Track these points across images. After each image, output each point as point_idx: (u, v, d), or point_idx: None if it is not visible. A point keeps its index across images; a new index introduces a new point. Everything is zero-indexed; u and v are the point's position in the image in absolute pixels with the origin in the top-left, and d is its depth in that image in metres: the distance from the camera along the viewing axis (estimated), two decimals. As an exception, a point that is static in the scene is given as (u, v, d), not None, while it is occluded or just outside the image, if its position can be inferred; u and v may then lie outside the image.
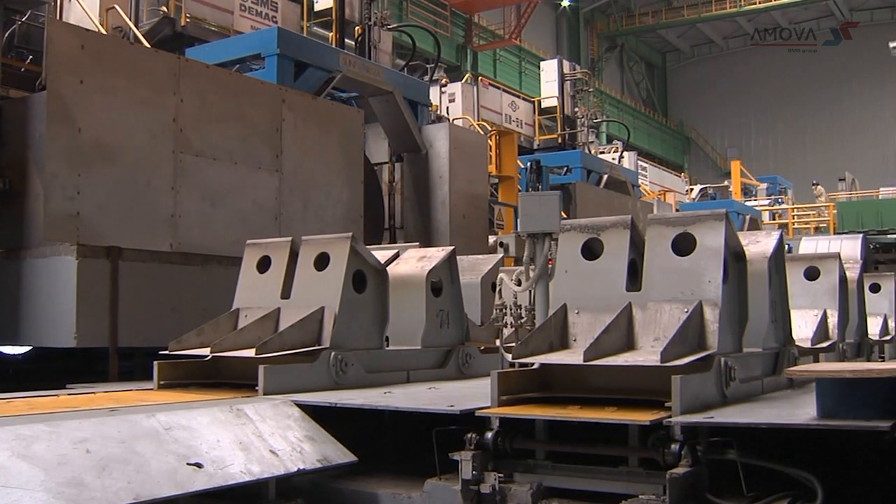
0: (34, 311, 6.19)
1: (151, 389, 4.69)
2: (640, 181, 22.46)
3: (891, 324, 7.11)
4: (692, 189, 31.40)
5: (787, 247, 6.19)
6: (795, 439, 3.22)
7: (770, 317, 4.22)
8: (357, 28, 12.17)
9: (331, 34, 12.31)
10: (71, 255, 5.98)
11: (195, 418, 3.35)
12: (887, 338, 6.98)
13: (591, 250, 4.01)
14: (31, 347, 6.71)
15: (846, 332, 5.89)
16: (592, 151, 20.37)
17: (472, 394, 4.09)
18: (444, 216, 10.20)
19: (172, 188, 6.71)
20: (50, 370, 6.80)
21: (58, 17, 9.56)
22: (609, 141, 30.47)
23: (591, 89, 24.10)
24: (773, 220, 28.58)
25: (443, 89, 18.10)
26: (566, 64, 21.75)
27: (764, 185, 31.84)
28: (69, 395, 4.46)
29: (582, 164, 17.22)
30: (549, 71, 21.35)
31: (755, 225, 23.00)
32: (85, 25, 7.89)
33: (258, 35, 10.02)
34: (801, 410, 3.34)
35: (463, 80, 19.88)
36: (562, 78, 20.85)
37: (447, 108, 17.96)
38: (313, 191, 8.03)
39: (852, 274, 6.17)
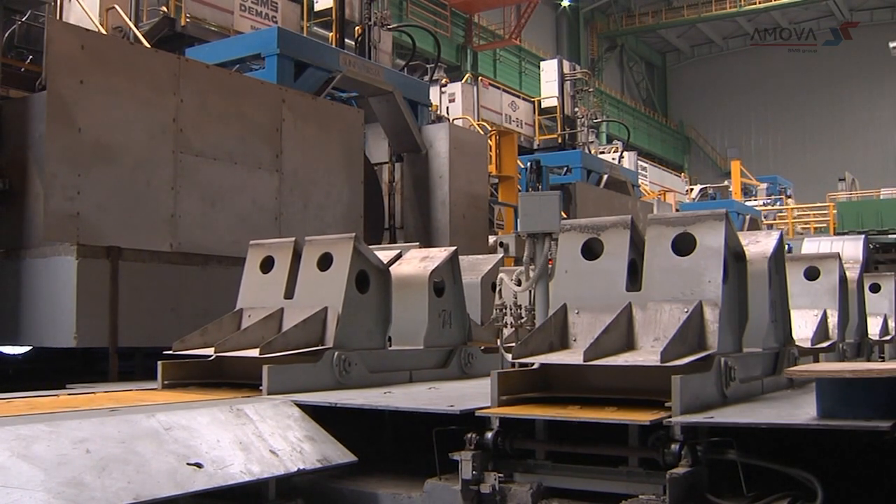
0: (34, 311, 6.19)
1: (154, 389, 4.69)
2: (640, 181, 22.46)
3: (891, 324, 7.11)
4: (692, 189, 31.40)
5: (787, 247, 6.19)
6: (795, 439, 3.22)
7: (770, 317, 4.22)
8: (357, 28, 12.17)
9: (331, 34, 12.31)
10: (71, 255, 5.98)
11: (195, 418, 3.34)
12: (887, 338, 6.98)
13: (591, 250, 4.01)
14: (31, 347, 6.71)
15: (846, 332, 5.89)
16: (592, 151, 20.38)
17: (473, 394, 4.09)
18: (444, 216, 10.21)
19: (172, 188, 6.71)
20: (50, 370, 6.81)
21: (58, 17, 9.57)
22: (609, 141, 30.47)
23: (591, 89, 24.10)
24: (773, 220, 28.59)
25: (443, 89, 18.10)
26: (566, 64, 21.75)
27: (764, 185, 31.85)
28: (69, 395, 4.46)
29: (582, 164, 17.22)
30: (549, 71, 21.36)
31: (755, 225, 23.01)
32: (85, 25, 7.90)
33: (258, 35, 10.03)
34: (801, 410, 3.34)
35: (463, 80, 19.88)
36: (562, 78, 20.85)
37: (447, 108, 17.96)
38: (313, 191, 8.03)
39: (852, 274, 6.17)
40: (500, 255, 7.62)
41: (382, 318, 5.13)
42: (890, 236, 22.98)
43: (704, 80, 49.96)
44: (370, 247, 5.23)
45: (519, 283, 5.13)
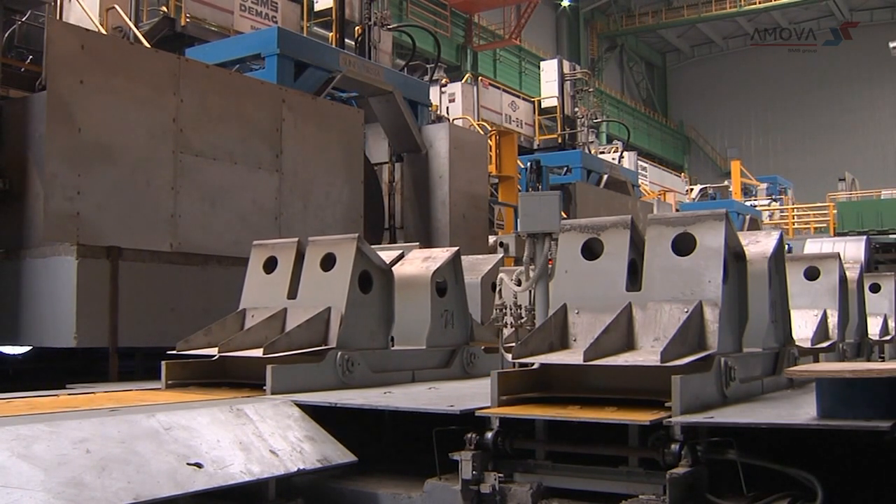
0: (34, 311, 6.19)
1: (155, 389, 4.70)
2: (640, 181, 22.46)
3: (891, 324, 7.11)
4: (692, 189, 31.41)
5: (787, 247, 6.19)
6: (795, 439, 3.22)
7: (770, 317, 4.23)
8: (357, 28, 12.17)
9: (331, 34, 12.31)
10: (71, 255, 5.98)
11: (195, 418, 3.34)
12: (887, 338, 6.98)
13: (591, 250, 4.01)
14: (31, 347, 6.71)
15: (846, 332, 5.89)
16: (592, 151, 20.38)
17: (473, 394, 4.09)
18: (444, 216, 10.21)
19: (172, 188, 6.71)
20: (50, 370, 6.81)
21: (58, 17, 9.57)
22: (609, 141, 30.47)
23: (591, 89, 24.10)
24: (771, 220, 28.59)
25: (443, 89, 18.10)
26: (566, 64, 21.76)
27: (764, 185, 31.85)
28: (69, 395, 4.46)
29: (582, 164, 17.22)
30: (549, 71, 21.36)
31: (755, 225, 23.01)
32: (85, 25, 7.89)
33: (258, 35, 10.03)
34: (801, 410, 3.34)
35: (463, 80, 19.88)
36: (562, 78, 20.85)
37: (447, 108, 17.97)
38: (313, 191, 8.03)
39: (852, 274, 6.17)
40: (500, 255, 7.62)
41: (385, 319, 5.15)
42: (890, 236, 22.98)
43: (704, 80, 49.96)
44: (371, 247, 5.25)
45: (519, 283, 5.13)
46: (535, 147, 20.33)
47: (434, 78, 15.93)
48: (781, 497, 3.09)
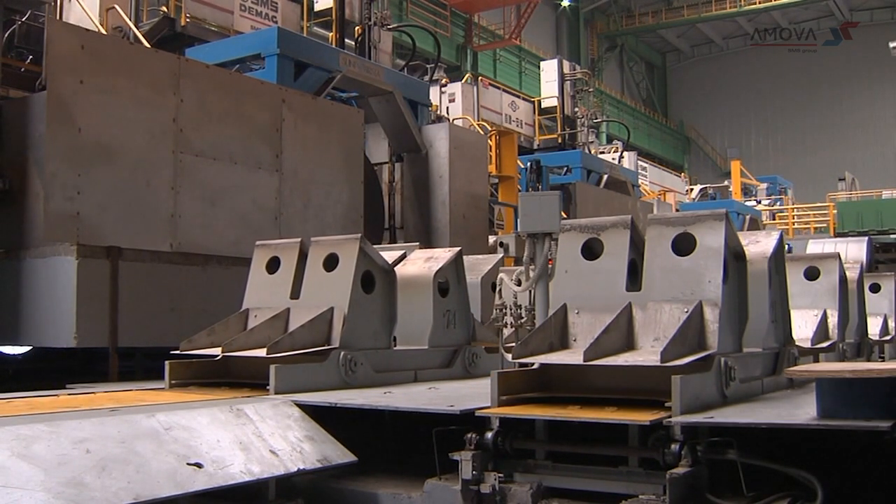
0: (34, 311, 6.18)
1: (155, 389, 4.71)
2: (640, 181, 22.46)
3: (891, 324, 7.11)
4: (692, 189, 31.41)
5: (787, 247, 6.19)
6: (795, 439, 3.22)
7: (770, 317, 4.23)
8: (357, 28, 12.17)
9: (331, 34, 12.31)
10: (71, 255, 5.98)
11: (195, 418, 3.34)
12: (887, 338, 6.98)
13: (591, 250, 4.01)
14: (31, 347, 6.71)
15: (846, 332, 5.89)
16: (592, 151, 20.37)
17: (473, 394, 4.09)
18: (444, 216, 10.21)
19: (172, 188, 6.71)
20: (50, 370, 6.80)
21: (58, 17, 9.56)
22: (609, 141, 30.47)
23: (591, 89, 24.11)
24: (773, 219, 28.60)
25: (443, 89, 18.10)
26: (566, 64, 21.75)
27: (764, 185, 31.85)
28: (69, 395, 4.46)
29: (582, 164, 17.22)
30: (549, 71, 21.35)
31: (755, 225, 23.00)
32: (85, 25, 7.89)
33: (258, 35, 10.03)
34: (801, 410, 3.34)
35: (463, 80, 19.88)
36: (562, 78, 20.85)
37: (447, 108, 17.97)
38: (313, 191, 8.03)
39: (852, 274, 6.17)
40: (500, 255, 7.63)
41: (388, 319, 5.16)
42: (891, 236, 22.98)
43: (704, 80, 49.96)
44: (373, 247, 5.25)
45: (519, 283, 5.13)
46: (535, 147, 20.33)
47: (434, 78, 15.93)
48: (781, 497, 3.09)
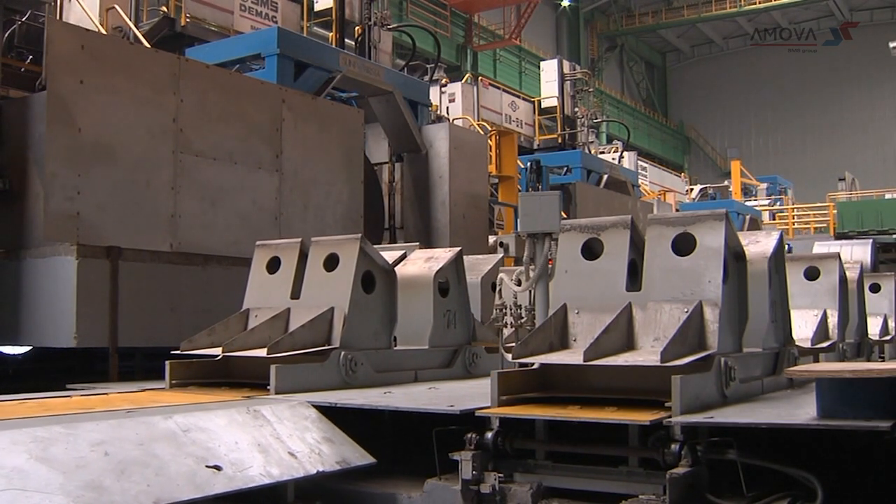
0: (34, 311, 6.18)
1: (162, 389, 4.71)
2: (640, 181, 22.46)
3: (891, 324, 7.11)
4: (692, 189, 31.40)
5: (787, 247, 6.19)
6: (795, 439, 3.22)
7: (770, 317, 4.23)
8: (357, 28, 12.17)
9: (331, 34, 12.31)
10: (71, 255, 5.98)
11: (212, 420, 3.30)
12: (887, 338, 6.98)
13: (591, 250, 4.01)
14: (31, 347, 6.71)
15: (846, 332, 5.90)
16: (592, 151, 20.37)
17: (473, 394, 4.09)
18: (444, 216, 10.20)
19: (172, 188, 6.71)
20: (50, 370, 6.80)
21: (58, 17, 9.56)
22: (609, 141, 30.47)
23: (591, 89, 24.10)
24: (773, 220, 28.59)
25: (443, 89, 18.10)
26: (566, 64, 21.75)
27: (764, 185, 31.84)
28: (82, 395, 4.41)
29: (582, 164, 17.21)
30: (549, 71, 21.35)
31: (755, 225, 23.00)
32: (85, 25, 7.89)
33: (258, 35, 10.02)
34: (801, 410, 3.34)
35: (463, 80, 19.88)
36: (562, 78, 20.84)
37: (447, 108, 17.96)
38: (313, 191, 8.03)
39: (852, 274, 6.17)
40: (500, 255, 7.63)
41: (388, 319, 5.17)
42: (893, 236, 22.97)
43: (704, 80, 49.95)
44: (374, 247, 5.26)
45: (519, 283, 5.13)
46: (535, 147, 20.33)
47: (434, 78, 15.92)
48: (781, 497, 3.09)
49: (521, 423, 3.49)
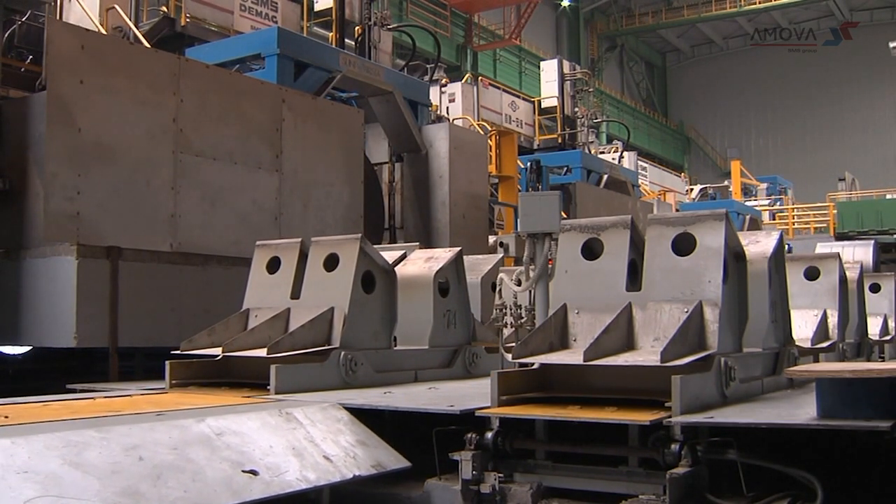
0: (34, 311, 6.18)
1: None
2: (640, 181, 22.45)
3: (891, 324, 7.11)
4: (692, 189, 31.39)
5: (787, 247, 6.19)
6: (795, 439, 3.22)
7: (770, 317, 4.23)
8: (357, 28, 12.17)
9: (331, 34, 12.31)
10: (71, 255, 5.97)
11: (245, 423, 3.23)
12: (887, 338, 6.98)
13: (591, 250, 4.01)
14: (31, 347, 6.70)
15: (846, 332, 5.90)
16: (592, 151, 20.37)
17: (473, 394, 4.09)
18: (444, 216, 10.20)
19: (172, 188, 6.71)
20: (50, 370, 6.80)
21: (58, 17, 9.56)
22: (609, 141, 30.46)
23: (591, 89, 24.09)
24: (773, 220, 28.58)
25: (443, 89, 18.09)
26: (566, 64, 21.74)
27: (764, 185, 31.84)
28: (105, 397, 4.32)
29: (582, 164, 17.21)
30: (549, 71, 21.35)
31: (755, 225, 23.00)
32: (85, 25, 7.89)
33: (258, 35, 10.02)
34: (801, 410, 3.34)
35: (463, 80, 19.88)
36: (562, 78, 20.84)
37: (447, 108, 17.96)
38: (313, 191, 8.03)
39: (852, 274, 6.17)
40: (500, 255, 7.63)
41: (388, 319, 5.18)
42: (893, 236, 22.97)
43: (704, 80, 49.94)
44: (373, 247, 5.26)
45: (519, 283, 5.13)
46: (535, 147, 20.32)
47: (434, 78, 15.92)
48: (781, 497, 3.09)
49: (521, 423, 3.49)
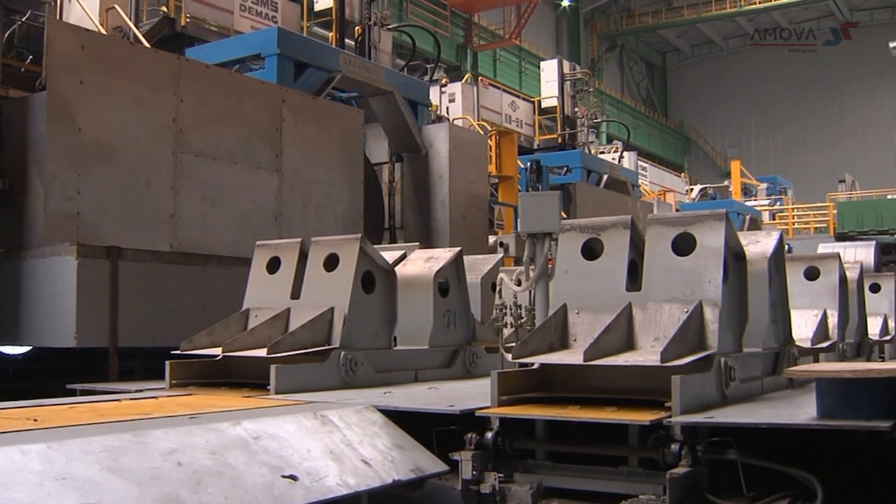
0: (34, 311, 6.18)
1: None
2: (640, 181, 22.45)
3: (891, 324, 7.11)
4: (692, 189, 31.39)
5: (787, 247, 6.19)
6: (795, 439, 3.22)
7: (770, 317, 4.23)
8: (357, 28, 12.16)
9: (331, 34, 12.31)
10: (71, 255, 5.98)
11: (281, 426, 3.16)
12: (887, 338, 6.98)
13: (591, 250, 4.01)
14: (31, 347, 6.70)
15: (846, 332, 5.89)
16: (592, 151, 20.37)
17: (473, 394, 4.09)
18: (444, 216, 10.20)
19: (172, 188, 6.71)
20: (50, 370, 6.80)
21: (58, 17, 9.56)
22: (609, 141, 30.46)
23: (591, 89, 24.09)
24: (773, 220, 28.59)
25: (443, 89, 18.09)
26: (566, 64, 21.74)
27: (764, 185, 31.84)
28: (132, 399, 4.25)
29: (582, 164, 17.21)
30: (549, 71, 21.34)
31: (755, 225, 23.00)
32: (85, 25, 7.89)
33: (258, 35, 10.02)
34: (801, 410, 3.34)
35: (463, 80, 19.88)
36: (562, 78, 20.84)
37: (447, 108, 17.96)
38: (313, 191, 8.03)
39: (852, 274, 6.17)
40: (500, 255, 7.63)
41: (388, 319, 5.18)
42: (893, 237, 22.97)
43: (704, 80, 49.93)
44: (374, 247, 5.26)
45: (519, 283, 5.13)
46: (535, 147, 20.32)
47: (434, 78, 15.92)
48: (781, 497, 3.09)
49: (521, 423, 3.49)
